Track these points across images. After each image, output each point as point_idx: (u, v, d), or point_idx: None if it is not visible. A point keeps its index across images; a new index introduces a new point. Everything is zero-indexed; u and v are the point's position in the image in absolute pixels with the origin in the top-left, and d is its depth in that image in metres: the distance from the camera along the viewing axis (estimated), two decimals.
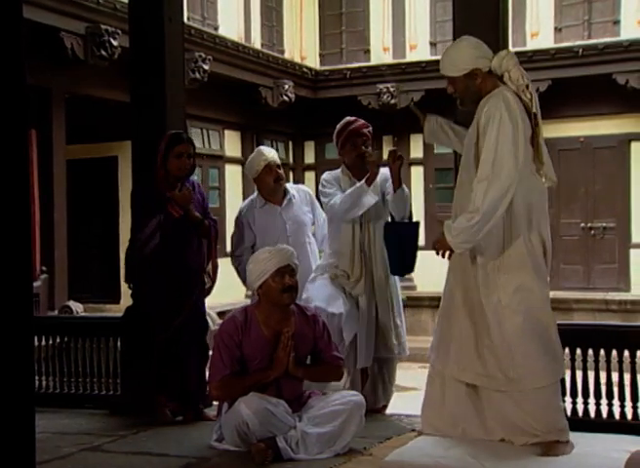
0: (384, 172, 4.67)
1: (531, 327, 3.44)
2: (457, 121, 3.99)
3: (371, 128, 4.66)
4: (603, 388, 4.06)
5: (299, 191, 4.99)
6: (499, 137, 3.36)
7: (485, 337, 3.48)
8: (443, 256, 3.53)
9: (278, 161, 4.90)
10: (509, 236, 3.47)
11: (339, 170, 4.68)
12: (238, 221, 4.95)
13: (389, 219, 4.49)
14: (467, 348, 3.52)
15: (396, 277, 4.62)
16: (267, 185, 4.84)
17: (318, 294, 4.39)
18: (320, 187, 4.67)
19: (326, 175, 4.71)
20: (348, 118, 4.65)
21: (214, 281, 4.62)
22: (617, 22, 11.82)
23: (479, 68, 3.52)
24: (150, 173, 4.51)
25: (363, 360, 4.46)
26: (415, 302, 11.55)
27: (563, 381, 4.10)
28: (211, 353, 3.87)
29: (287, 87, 12.20)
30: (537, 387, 3.43)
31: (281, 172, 4.88)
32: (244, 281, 4.74)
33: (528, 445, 3.46)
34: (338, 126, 4.64)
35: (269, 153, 4.90)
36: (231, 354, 3.68)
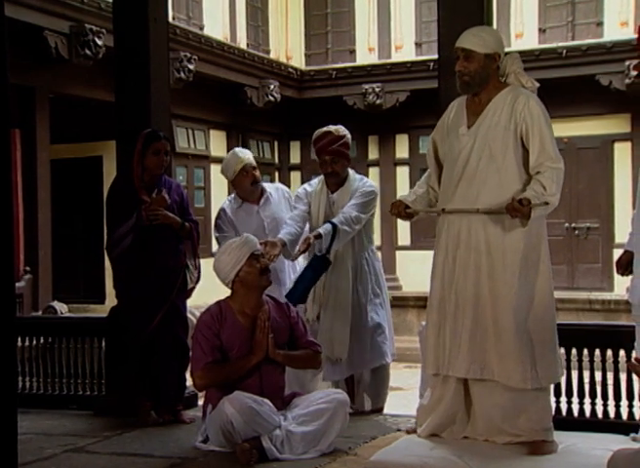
0: (365, 182, 4.67)
1: (549, 322, 3.50)
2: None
3: (346, 138, 4.57)
4: (586, 387, 4.08)
5: (276, 190, 5.02)
6: (551, 133, 3.50)
7: (501, 332, 3.42)
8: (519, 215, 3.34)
9: (254, 163, 4.89)
10: (537, 229, 3.50)
11: (320, 177, 4.71)
12: (218, 222, 4.97)
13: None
14: (479, 343, 3.46)
15: (381, 284, 4.66)
16: (244, 188, 4.87)
17: None
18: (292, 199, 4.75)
19: (300, 190, 4.74)
20: (324, 130, 4.59)
21: (197, 281, 4.61)
22: (600, 24, 11.90)
23: (500, 55, 3.57)
24: (126, 172, 4.49)
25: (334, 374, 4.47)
26: (400, 302, 11.55)
27: None
28: (191, 351, 3.88)
29: (272, 87, 12.19)
30: (549, 384, 3.48)
31: (257, 173, 4.88)
32: None
33: (513, 444, 3.47)
34: (314, 135, 4.62)
35: (245, 155, 4.89)
36: (211, 343, 3.71)
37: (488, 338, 3.45)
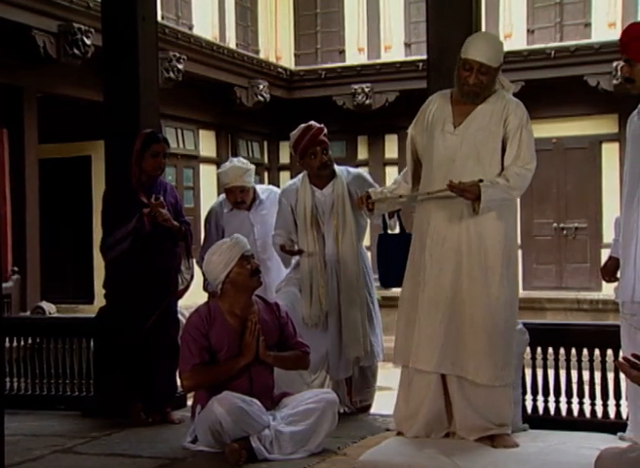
0: (352, 171, 4.62)
1: (515, 322, 3.66)
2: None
3: (326, 130, 4.48)
4: (575, 386, 4.10)
5: (270, 194, 4.97)
6: (530, 139, 3.59)
7: (477, 331, 3.51)
8: (459, 194, 3.43)
9: (245, 184, 4.84)
10: (512, 232, 3.64)
11: (300, 176, 4.57)
12: (207, 222, 4.96)
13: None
14: (452, 341, 3.52)
15: (370, 283, 4.59)
16: (230, 201, 4.92)
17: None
18: (278, 201, 4.62)
19: (283, 191, 4.62)
20: (302, 126, 4.46)
21: (190, 282, 4.61)
22: (588, 25, 11.96)
23: (502, 64, 3.65)
24: (124, 172, 4.48)
25: (339, 372, 4.44)
26: (389, 302, 11.55)
27: (535, 380, 4.16)
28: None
29: (262, 87, 12.19)
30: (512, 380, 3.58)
31: (243, 194, 4.85)
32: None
33: (482, 439, 3.53)
34: (293, 135, 4.45)
35: (235, 174, 4.82)
36: (199, 344, 3.70)
37: (462, 336, 3.52)
